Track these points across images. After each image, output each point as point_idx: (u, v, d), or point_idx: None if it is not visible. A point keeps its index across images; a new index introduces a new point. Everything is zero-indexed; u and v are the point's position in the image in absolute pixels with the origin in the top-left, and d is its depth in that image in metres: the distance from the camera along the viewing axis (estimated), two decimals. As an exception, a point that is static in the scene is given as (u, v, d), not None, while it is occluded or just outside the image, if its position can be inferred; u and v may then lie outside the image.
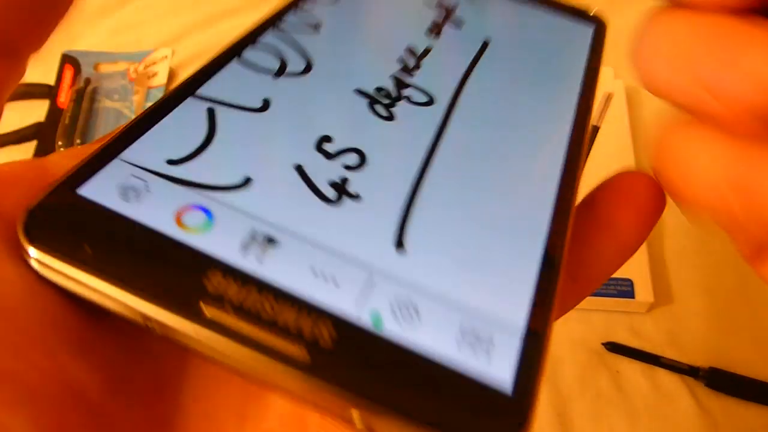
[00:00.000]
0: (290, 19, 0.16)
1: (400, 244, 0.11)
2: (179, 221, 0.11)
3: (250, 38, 0.15)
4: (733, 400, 0.33)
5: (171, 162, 0.12)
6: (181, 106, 0.13)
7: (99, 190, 0.11)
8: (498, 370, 0.10)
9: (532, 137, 0.15)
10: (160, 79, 0.45)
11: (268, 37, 0.15)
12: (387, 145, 0.13)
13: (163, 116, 0.13)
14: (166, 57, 0.46)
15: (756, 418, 0.33)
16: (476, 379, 0.09)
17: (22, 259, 0.10)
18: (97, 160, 0.11)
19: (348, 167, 0.12)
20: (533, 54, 0.18)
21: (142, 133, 0.12)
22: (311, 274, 0.10)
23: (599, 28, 0.20)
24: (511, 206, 0.13)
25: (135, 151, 0.12)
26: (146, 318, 0.09)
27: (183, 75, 0.45)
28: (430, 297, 0.10)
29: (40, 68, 0.47)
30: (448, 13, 0.19)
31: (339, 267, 0.10)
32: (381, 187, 0.12)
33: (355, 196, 0.12)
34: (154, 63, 0.46)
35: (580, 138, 0.16)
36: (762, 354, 0.35)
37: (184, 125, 0.13)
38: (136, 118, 0.12)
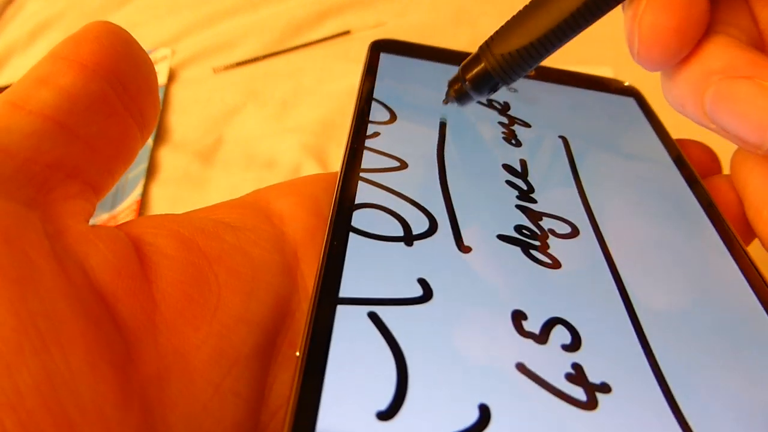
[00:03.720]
0: (369, 160, 0.14)
1: None
2: None
3: (348, 201, 0.12)
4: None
5: (383, 416, 0.09)
6: (338, 319, 0.10)
7: None
8: None
9: (687, 243, 0.13)
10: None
11: (365, 193, 0.13)
12: (581, 306, 0.11)
13: (326, 344, 0.10)
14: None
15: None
16: None
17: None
18: None
19: (566, 347, 0.10)
20: (608, 138, 0.17)
21: (321, 381, 0.09)
22: None
23: (638, 97, 0.19)
24: (740, 336, 0.11)
25: (331, 413, 0.09)
26: None
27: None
28: None
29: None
30: (503, 110, 0.17)
31: None
32: (618, 367, 0.10)
33: (604, 389, 0.10)
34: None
35: (716, 214, 0.14)
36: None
37: (357, 346, 0.10)
38: (303, 361, 0.09)
